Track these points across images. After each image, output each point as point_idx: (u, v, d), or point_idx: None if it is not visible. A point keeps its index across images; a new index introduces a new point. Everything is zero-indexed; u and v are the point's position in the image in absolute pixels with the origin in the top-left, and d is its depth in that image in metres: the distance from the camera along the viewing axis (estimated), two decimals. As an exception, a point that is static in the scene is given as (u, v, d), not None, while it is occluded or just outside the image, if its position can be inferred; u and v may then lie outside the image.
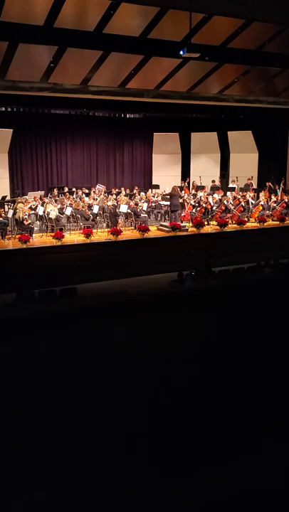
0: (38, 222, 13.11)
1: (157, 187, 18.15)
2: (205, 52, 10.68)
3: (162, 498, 3.71)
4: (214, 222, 13.45)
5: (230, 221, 13.51)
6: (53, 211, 12.07)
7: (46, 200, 14.15)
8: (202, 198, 14.68)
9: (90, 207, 13.21)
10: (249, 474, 3.98)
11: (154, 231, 12.77)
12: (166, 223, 13.03)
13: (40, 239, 11.72)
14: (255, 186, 16.82)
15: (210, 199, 14.64)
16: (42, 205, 13.04)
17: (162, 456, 4.22)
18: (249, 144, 18.34)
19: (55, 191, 15.85)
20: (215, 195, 15.46)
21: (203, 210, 13.63)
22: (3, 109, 14.75)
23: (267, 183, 16.15)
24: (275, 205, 14.41)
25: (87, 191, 16.15)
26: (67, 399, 5.10)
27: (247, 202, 14.43)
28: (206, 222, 13.21)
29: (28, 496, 3.74)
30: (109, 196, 15.14)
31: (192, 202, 14.38)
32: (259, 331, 7.10)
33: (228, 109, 16.79)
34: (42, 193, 15.88)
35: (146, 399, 5.11)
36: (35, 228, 12.37)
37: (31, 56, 10.96)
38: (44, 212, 12.35)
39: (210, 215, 13.71)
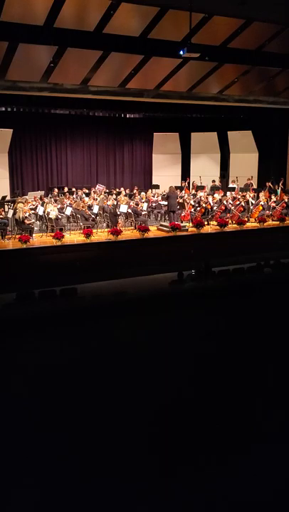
0: (38, 222, 13.11)
1: (157, 187, 18.16)
2: (205, 52, 10.67)
3: (163, 498, 3.72)
4: (214, 222, 13.45)
5: (230, 221, 13.51)
6: (53, 211, 12.07)
7: (46, 200, 14.15)
8: (202, 198, 14.68)
9: (90, 207, 13.21)
10: (253, 476, 3.98)
11: (154, 231, 12.77)
12: (166, 223, 13.03)
13: (40, 239, 11.72)
14: (255, 186, 16.81)
15: (210, 199, 14.64)
16: (42, 205, 13.04)
17: (163, 456, 4.22)
18: (249, 144, 18.34)
19: (55, 191, 15.85)
20: (215, 195, 15.46)
21: (203, 210, 13.63)
22: (3, 109, 14.74)
23: (267, 183, 16.14)
24: (275, 205, 14.41)
25: (87, 191, 16.15)
26: (67, 398, 5.10)
27: (247, 202, 14.43)
28: (206, 222, 13.21)
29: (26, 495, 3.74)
30: (109, 196, 15.14)
31: (192, 202, 14.38)
32: (260, 331, 7.10)
33: (228, 109, 16.80)
34: (42, 193, 15.87)
35: (146, 398, 5.11)
36: (35, 228, 12.37)
37: (31, 56, 10.96)
38: (44, 212, 12.35)
39: (210, 215, 13.71)
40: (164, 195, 15.22)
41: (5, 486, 3.83)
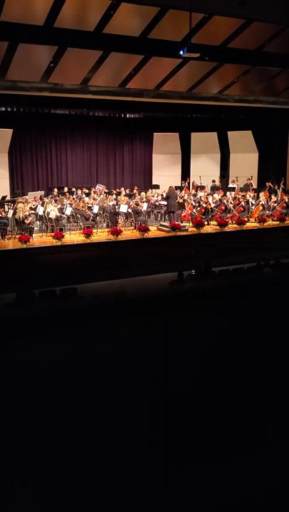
0: (38, 222, 13.11)
1: (157, 187, 18.15)
2: (205, 52, 10.67)
3: (162, 499, 3.72)
4: (214, 222, 13.45)
5: (230, 221, 13.51)
6: (53, 211, 12.07)
7: (46, 200, 14.15)
8: (202, 198, 14.68)
9: (90, 207, 13.21)
10: (252, 475, 3.98)
11: (154, 231, 12.77)
12: (166, 223, 13.03)
13: (40, 239, 11.72)
14: (255, 186, 16.81)
15: (210, 199, 14.64)
16: (42, 205, 13.04)
17: (163, 456, 4.22)
18: (249, 144, 18.34)
19: (55, 191, 15.85)
20: (215, 195, 15.45)
21: (203, 210, 13.63)
22: (3, 109, 14.74)
23: (267, 183, 16.15)
24: (275, 205, 14.41)
25: (87, 191, 16.15)
26: (67, 399, 5.10)
27: (247, 202, 14.43)
28: (206, 222, 13.21)
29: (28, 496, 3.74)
30: (109, 196, 15.14)
31: (192, 202, 14.38)
32: (260, 331, 7.10)
33: (228, 109, 16.80)
34: (42, 193, 15.87)
35: (146, 399, 5.11)
36: (35, 228, 12.37)
37: (31, 56, 10.96)
38: (44, 212, 12.35)
39: (210, 215, 13.72)
40: (163, 195, 15.23)
41: (5, 486, 3.83)
